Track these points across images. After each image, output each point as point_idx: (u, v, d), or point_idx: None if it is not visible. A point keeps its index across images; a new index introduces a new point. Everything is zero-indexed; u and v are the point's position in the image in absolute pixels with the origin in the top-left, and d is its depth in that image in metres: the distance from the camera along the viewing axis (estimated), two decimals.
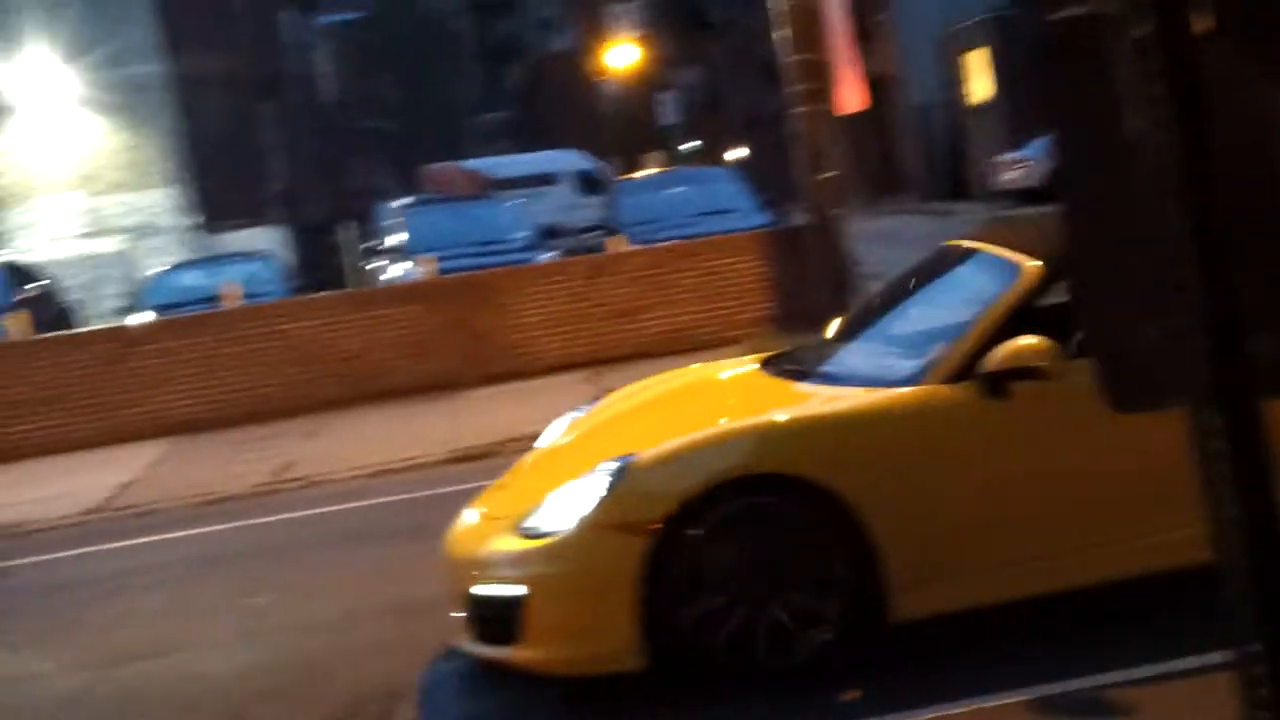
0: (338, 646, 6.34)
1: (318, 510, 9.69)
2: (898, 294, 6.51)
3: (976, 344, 5.29)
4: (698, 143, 49.43)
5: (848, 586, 5.13)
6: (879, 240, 19.96)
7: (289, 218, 29.55)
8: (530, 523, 5.33)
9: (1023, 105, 28.65)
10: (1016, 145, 28.11)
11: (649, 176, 24.94)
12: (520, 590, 5.20)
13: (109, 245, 26.31)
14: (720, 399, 6.32)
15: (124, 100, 26.20)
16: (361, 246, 24.64)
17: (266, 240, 25.09)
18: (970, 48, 33.01)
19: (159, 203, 26.76)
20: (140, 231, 26.59)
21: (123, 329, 15.31)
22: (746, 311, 14.48)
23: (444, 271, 15.69)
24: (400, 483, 10.19)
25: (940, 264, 6.45)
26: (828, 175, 13.36)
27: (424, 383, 13.87)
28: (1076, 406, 5.04)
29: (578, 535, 5.17)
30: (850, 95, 13.29)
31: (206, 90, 28.35)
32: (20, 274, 19.93)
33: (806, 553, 5.13)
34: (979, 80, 32.85)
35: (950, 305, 5.81)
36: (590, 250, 19.85)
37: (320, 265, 27.44)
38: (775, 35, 13.50)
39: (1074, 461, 5.29)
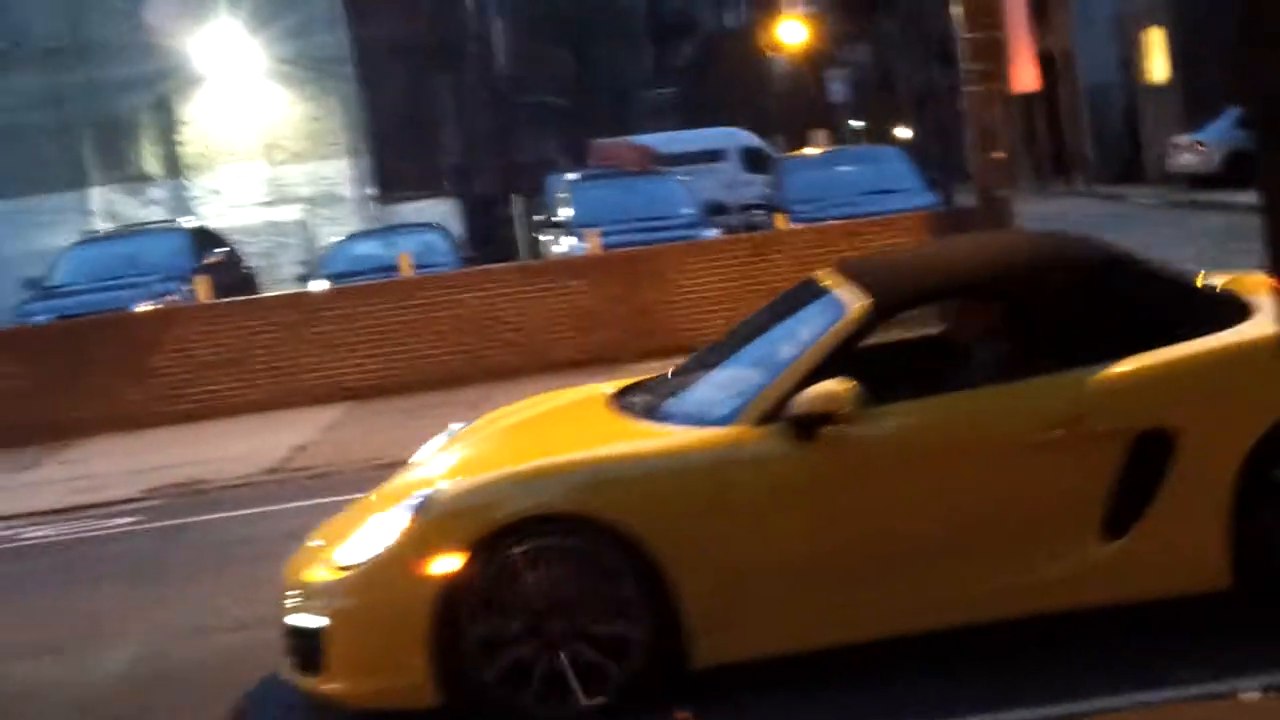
0: None
1: None
2: (751, 329, 6.19)
3: (789, 386, 5.15)
4: (865, 121, 49.04)
5: (642, 632, 4.98)
6: (1046, 223, 19.67)
7: (461, 190, 30.14)
8: (340, 553, 5.34)
9: (1201, 86, 27.91)
10: (1193, 128, 27.42)
11: (815, 154, 24.93)
12: (323, 621, 5.19)
13: (289, 214, 27.10)
14: (558, 430, 6.13)
15: (307, 72, 26.94)
16: (531, 219, 25.04)
17: (439, 212, 25.61)
18: (1147, 26, 32.23)
19: (337, 173, 27.48)
20: (318, 201, 27.34)
21: (302, 295, 15.89)
22: None
23: (609, 246, 15.99)
24: None
25: (793, 299, 6.15)
26: (996, 155, 13.30)
27: (588, 355, 14.14)
28: (877, 453, 5.13)
29: (375, 569, 5.14)
30: (1024, 74, 13.19)
31: (386, 63, 29.03)
32: (206, 239, 20.60)
33: (602, 596, 4.99)
34: (1155, 60, 32.07)
35: (785, 344, 5.58)
36: (754, 228, 19.98)
37: (491, 237, 27.95)
38: (949, 12, 13.44)
39: (876, 510, 5.11)
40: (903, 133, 44.59)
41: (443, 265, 18.11)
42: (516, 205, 25.94)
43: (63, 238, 23.22)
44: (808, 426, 5.03)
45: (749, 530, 5.07)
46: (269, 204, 27.11)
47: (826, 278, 5.86)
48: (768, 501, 5.11)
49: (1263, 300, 5.65)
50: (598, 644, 4.97)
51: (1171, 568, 5.03)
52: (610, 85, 60.49)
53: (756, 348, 5.81)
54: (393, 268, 16.49)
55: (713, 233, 17.96)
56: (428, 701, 5.00)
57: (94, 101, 26.49)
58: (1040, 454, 5.01)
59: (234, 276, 19.83)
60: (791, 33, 43.92)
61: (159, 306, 15.96)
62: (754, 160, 32.56)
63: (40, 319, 16.54)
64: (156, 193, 27.25)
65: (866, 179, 19.41)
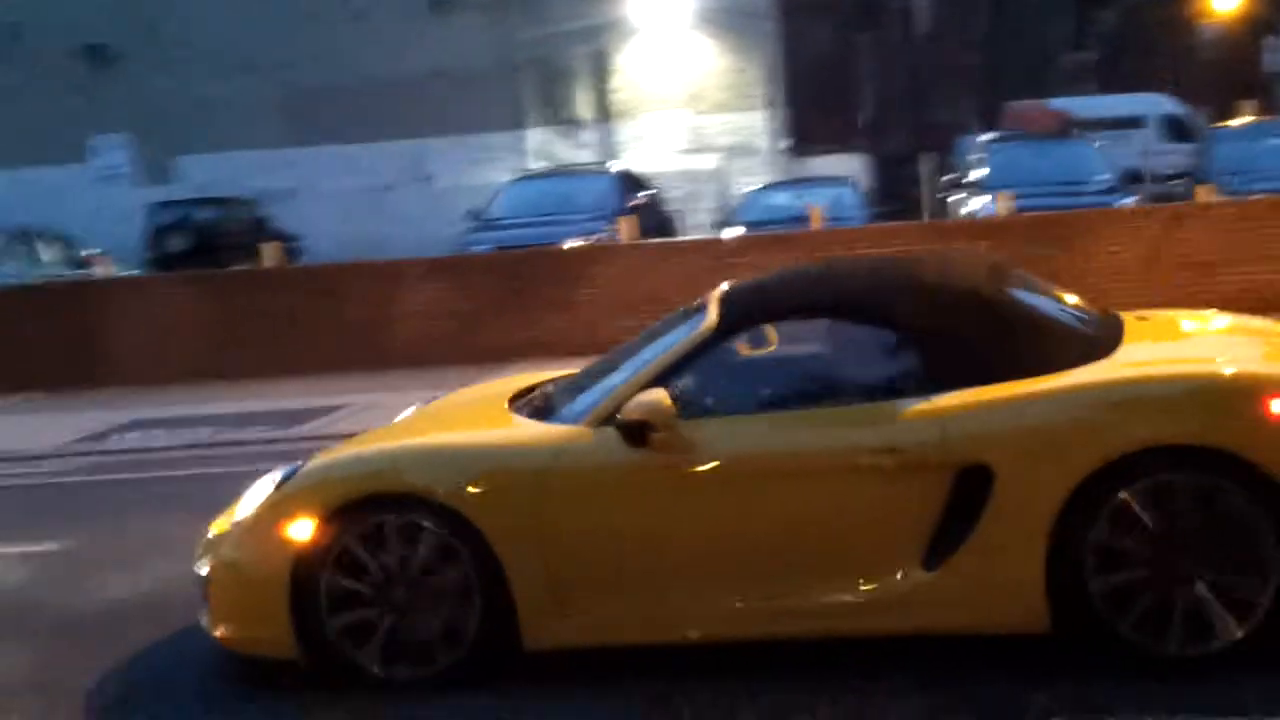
0: None
1: None
2: (643, 338, 6.20)
3: (628, 394, 5.29)
4: None
5: (481, 609, 5.22)
6: None
7: (872, 146, 30.42)
8: (236, 511, 5.80)
9: None
10: None
11: (1248, 125, 23.90)
12: (205, 570, 5.70)
13: (706, 162, 28.02)
14: (455, 417, 6.41)
15: (731, 25, 27.76)
16: (940, 179, 25.08)
17: (849, 167, 25.94)
18: None
19: (755, 124, 28.18)
20: (735, 151, 28.13)
21: (716, 242, 16.46)
22: None
23: (1021, 209, 15.90)
24: None
25: (685, 313, 6.12)
26: None
27: None
28: (701, 464, 5.17)
29: (245, 529, 5.58)
30: None
31: (808, 18, 29.55)
32: (631, 182, 21.31)
33: (444, 572, 5.26)
34: None
35: (650, 355, 5.67)
36: (1173, 198, 19.42)
37: (898, 195, 28.13)
38: None
39: (698, 517, 5.18)
40: None
41: (851, 220, 18.42)
42: (925, 164, 25.98)
43: (499, 174, 24.83)
44: (633, 433, 5.17)
45: (577, 524, 5.24)
46: (688, 152, 28.09)
47: (718, 292, 5.94)
48: (596, 499, 5.25)
49: (1146, 344, 5.53)
50: (440, 617, 5.28)
51: (988, 605, 4.96)
52: (1028, 48, 59.05)
53: (634, 356, 5.84)
54: (803, 219, 16.87)
55: (1129, 201, 17.62)
56: (289, 653, 5.44)
57: (536, 48, 28.11)
58: (865, 478, 5.01)
59: (655, 219, 20.45)
60: None
61: (586, 243, 16.65)
62: (1176, 129, 31.38)
63: (481, 249, 17.47)
64: (586, 136, 28.69)
65: None
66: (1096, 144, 21.08)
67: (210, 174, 29.48)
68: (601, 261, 15.43)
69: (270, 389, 14.26)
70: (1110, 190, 18.02)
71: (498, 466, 5.36)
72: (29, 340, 16.09)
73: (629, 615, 5.25)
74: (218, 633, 5.66)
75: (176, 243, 25.91)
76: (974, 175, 20.19)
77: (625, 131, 28.48)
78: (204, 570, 5.73)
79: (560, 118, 28.80)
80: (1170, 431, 4.81)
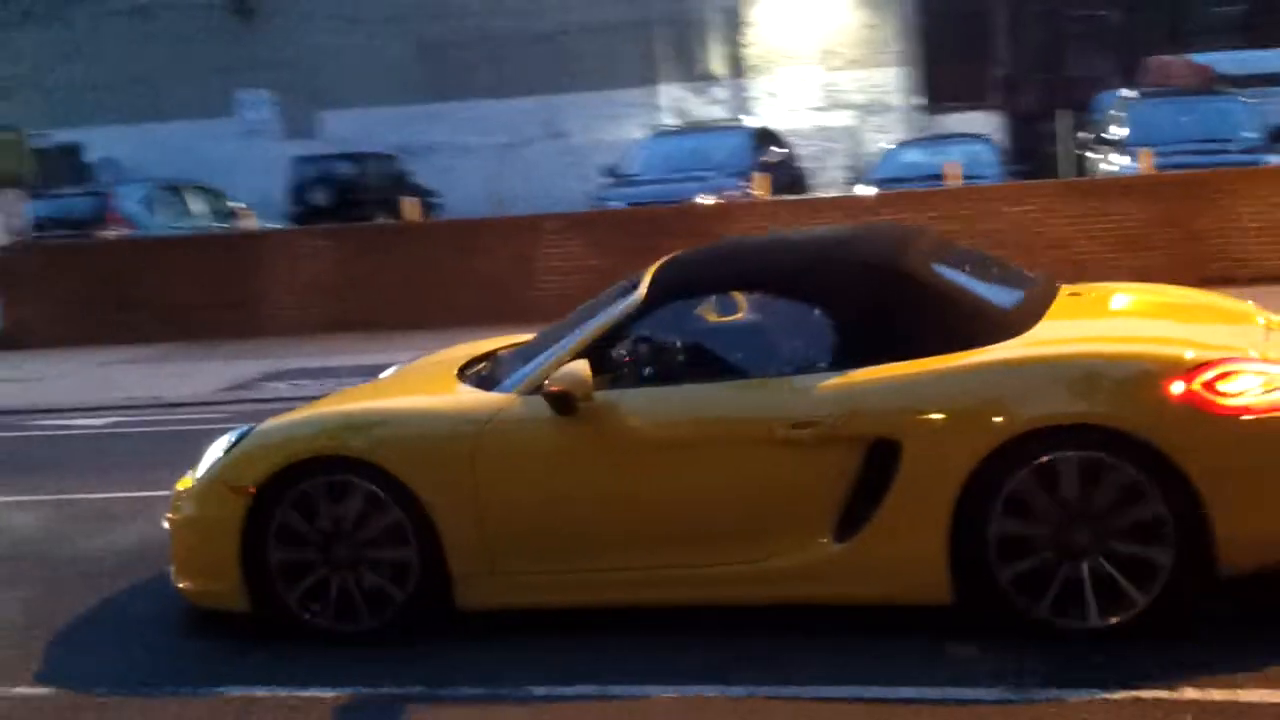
0: None
1: None
2: (584, 311, 6.26)
3: (558, 363, 5.46)
4: None
5: (415, 567, 5.43)
6: None
7: (1007, 103, 30.01)
8: (199, 468, 5.98)
9: None
10: None
11: None
12: (166, 525, 6.00)
13: (839, 119, 27.90)
14: (408, 382, 6.56)
15: None
16: (1076, 136, 24.70)
17: (984, 124, 25.67)
18: None
19: (888, 81, 27.98)
20: (868, 109, 27.98)
21: (851, 199, 16.50)
22: None
23: (1162, 167, 15.67)
24: None
25: (625, 286, 6.15)
26: None
27: (1132, 277, 14.05)
28: (624, 433, 5.29)
29: (201, 486, 5.81)
30: None
31: None
32: (766, 139, 21.37)
33: (383, 532, 5.47)
34: None
35: (593, 324, 5.77)
36: None
37: (1034, 152, 27.75)
38: None
39: (621, 485, 5.32)
40: None
41: (987, 177, 18.27)
42: (1062, 121, 25.57)
43: (632, 130, 24.98)
44: (559, 402, 5.31)
45: (506, 490, 5.41)
46: (821, 109, 27.98)
47: (655, 266, 6.02)
48: (524, 466, 5.42)
49: (1062, 323, 5.52)
50: (378, 575, 5.49)
51: (893, 576, 5.07)
52: (1169, 1, 57.53)
53: (573, 328, 5.94)
54: (938, 176, 16.79)
55: (1277, 160, 17.25)
56: (242, 606, 5.68)
57: (669, 3, 28.16)
58: (779, 450, 5.10)
59: (788, 176, 20.47)
60: None
61: (720, 200, 16.75)
62: None
63: (616, 204, 17.67)
64: (719, 92, 28.71)
65: None
66: (1243, 100, 20.59)
67: (351, 129, 30.04)
68: (735, 218, 15.52)
69: (409, 341, 14.54)
70: (1257, 148, 17.62)
71: (431, 433, 5.56)
72: (180, 291, 16.65)
73: (556, 578, 5.44)
74: (180, 585, 5.93)
75: (318, 197, 26.49)
76: (1114, 132, 19.87)
77: (758, 88, 28.43)
78: (166, 525, 6.06)
79: (693, 73, 28.82)
80: (1069, 411, 4.87)
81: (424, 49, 29.89)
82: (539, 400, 5.39)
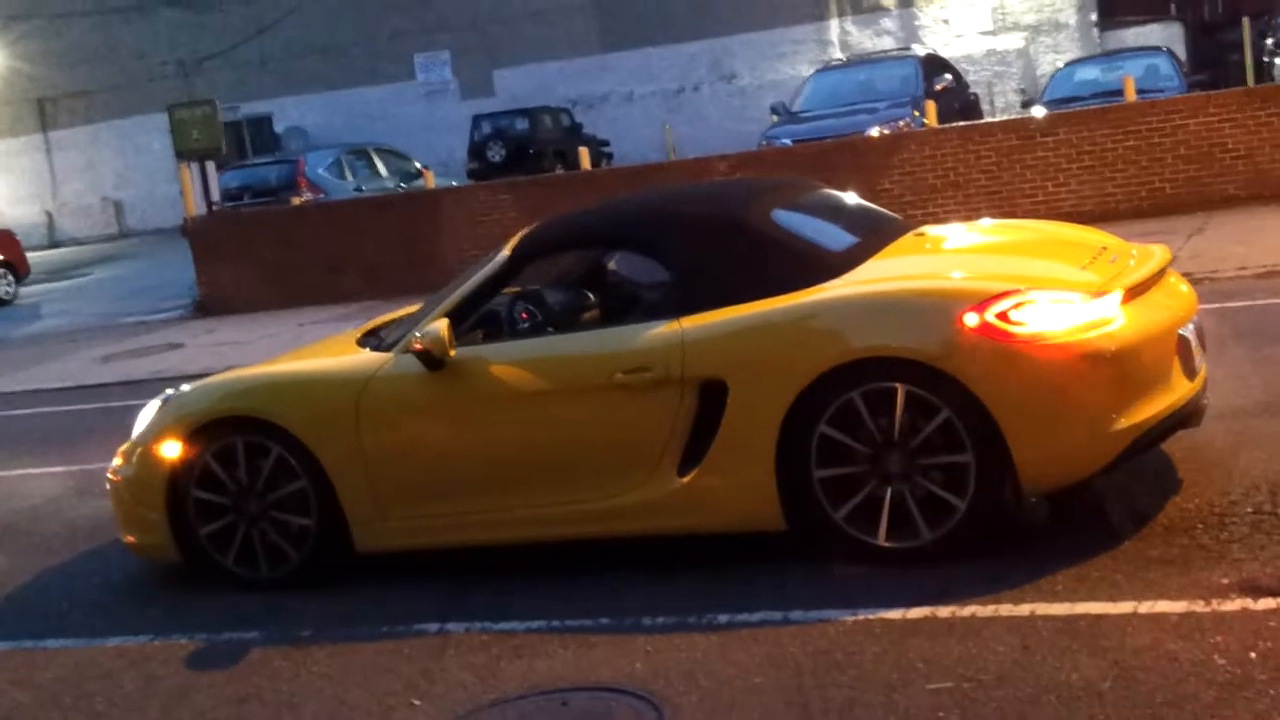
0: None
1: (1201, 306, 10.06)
2: (474, 269, 6.49)
3: (428, 322, 5.84)
4: None
5: (318, 518, 5.95)
6: None
7: (1183, 14, 29.12)
8: (134, 430, 6.47)
9: None
10: None
11: None
12: (108, 482, 6.52)
13: (1010, 42, 27.41)
14: (322, 348, 7.08)
15: None
16: (1262, 43, 23.89)
17: (1163, 36, 24.97)
18: None
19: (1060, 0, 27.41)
20: (1040, 28, 27.42)
21: (1023, 121, 16.18)
22: None
23: None
24: None
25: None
26: None
27: None
28: (483, 385, 5.72)
29: (133, 445, 6.37)
30: None
31: None
32: (934, 66, 21.07)
33: (286, 485, 5.98)
34: None
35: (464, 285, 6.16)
36: None
37: (1215, 62, 26.92)
38: None
39: (484, 433, 5.76)
40: None
41: (1167, 91, 17.83)
42: (1245, 29, 24.75)
43: (801, 68, 24.95)
44: (424, 358, 5.73)
45: (388, 442, 5.86)
46: (992, 33, 27.52)
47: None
48: (401, 418, 5.89)
49: (886, 262, 5.74)
50: (287, 525, 6.02)
51: (730, 507, 5.42)
52: None
53: (453, 290, 6.27)
54: (1116, 93, 16.45)
55: None
56: (173, 558, 6.27)
57: None
58: (622, 395, 5.50)
59: (959, 102, 20.28)
60: None
61: (889, 131, 16.69)
62: None
63: (784, 142, 17.66)
64: (887, 23, 28.44)
65: None
66: None
67: (525, 84, 30.56)
68: (903, 149, 15.44)
69: None
70: None
71: (323, 392, 6.08)
72: (371, 250, 17.29)
73: (438, 521, 5.89)
74: (126, 539, 6.48)
75: (495, 153, 27.10)
76: None
77: (926, 16, 28.06)
78: (107, 485, 6.62)
79: (861, 5, 28.59)
80: (871, 344, 5.14)
81: (595, 1, 30.22)
82: (411, 358, 5.84)
